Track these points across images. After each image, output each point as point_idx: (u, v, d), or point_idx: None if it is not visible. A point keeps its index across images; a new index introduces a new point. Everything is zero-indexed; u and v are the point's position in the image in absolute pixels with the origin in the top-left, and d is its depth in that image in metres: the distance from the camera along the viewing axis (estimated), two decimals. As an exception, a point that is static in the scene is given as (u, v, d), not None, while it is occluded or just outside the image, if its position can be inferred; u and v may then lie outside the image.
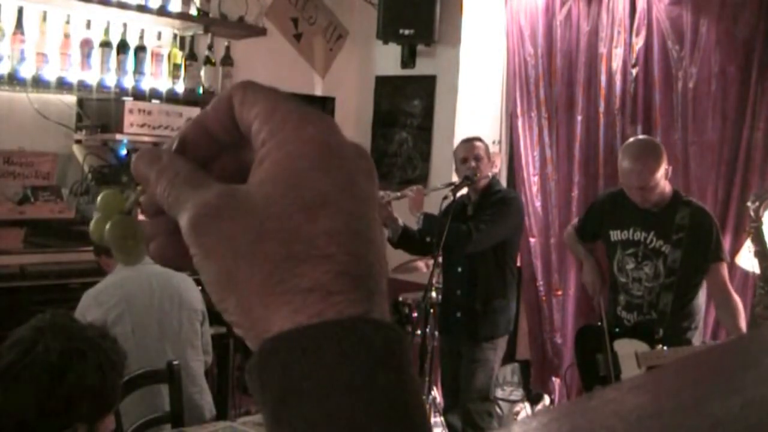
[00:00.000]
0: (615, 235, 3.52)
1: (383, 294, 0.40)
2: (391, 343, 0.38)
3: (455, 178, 4.06)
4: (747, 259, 3.62)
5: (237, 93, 0.44)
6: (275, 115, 0.42)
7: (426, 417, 0.39)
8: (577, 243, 3.82)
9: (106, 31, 4.09)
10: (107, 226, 0.50)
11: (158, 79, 4.28)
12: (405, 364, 0.39)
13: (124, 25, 4.14)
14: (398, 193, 4.04)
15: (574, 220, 4.04)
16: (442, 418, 4.26)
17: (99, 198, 0.51)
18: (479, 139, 4.06)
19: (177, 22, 4.39)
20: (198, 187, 0.42)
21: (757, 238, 3.13)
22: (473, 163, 3.92)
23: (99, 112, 4.13)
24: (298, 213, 0.39)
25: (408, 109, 5.28)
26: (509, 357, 4.91)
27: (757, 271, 3.43)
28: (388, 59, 5.26)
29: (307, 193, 0.40)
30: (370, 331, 0.38)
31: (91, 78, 3.99)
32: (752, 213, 3.17)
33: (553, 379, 5.05)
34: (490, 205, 3.92)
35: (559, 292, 4.98)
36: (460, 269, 3.98)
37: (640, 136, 3.98)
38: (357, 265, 0.39)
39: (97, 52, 4.03)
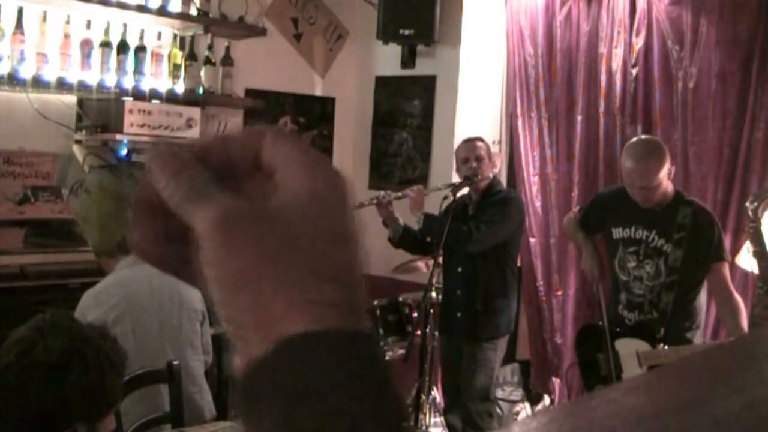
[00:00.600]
0: (617, 232, 3.52)
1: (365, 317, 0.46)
2: (383, 355, 0.44)
3: (456, 178, 4.07)
4: (747, 259, 3.62)
5: (271, 132, 0.49)
6: (306, 158, 0.47)
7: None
8: (577, 230, 3.82)
9: (106, 31, 4.09)
10: (97, 204, 0.51)
11: (158, 79, 4.28)
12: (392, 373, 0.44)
13: (124, 25, 4.14)
14: (399, 193, 4.04)
15: (575, 209, 4.05)
16: (442, 418, 4.26)
17: (93, 178, 0.53)
18: (480, 139, 4.07)
19: (177, 22, 4.39)
20: (221, 192, 0.46)
21: (756, 239, 3.13)
22: (474, 164, 3.92)
23: (99, 112, 4.13)
24: (327, 241, 0.45)
25: (408, 109, 5.28)
26: (509, 357, 4.91)
27: (756, 271, 3.43)
28: (388, 59, 5.26)
29: (335, 228, 0.46)
30: (377, 344, 0.44)
31: (91, 78, 3.99)
32: (751, 213, 3.17)
33: (553, 379, 5.05)
34: (490, 205, 3.92)
35: (559, 292, 4.98)
36: (460, 269, 3.98)
37: (643, 136, 3.98)
38: (360, 295, 0.46)
39: (97, 52, 4.03)
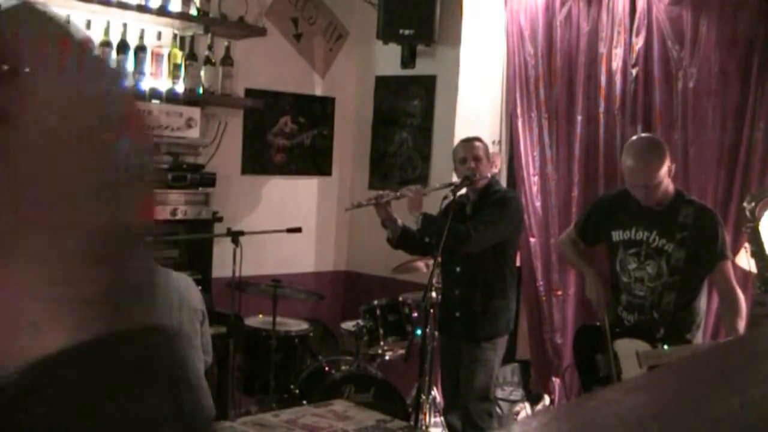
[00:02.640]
0: (617, 235, 3.51)
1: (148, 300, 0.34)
2: (163, 354, 0.34)
3: (455, 178, 4.06)
4: (746, 258, 3.62)
5: (25, 14, 0.34)
6: (56, 56, 0.33)
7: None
8: (574, 252, 3.78)
9: (106, 31, 4.09)
10: None
11: (158, 79, 4.27)
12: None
13: (124, 25, 4.14)
14: (397, 193, 4.04)
15: (567, 229, 3.99)
16: (442, 418, 4.26)
17: None
18: (479, 139, 4.06)
19: (177, 22, 4.39)
20: None
21: (754, 239, 3.13)
22: (472, 164, 3.92)
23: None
24: (74, 198, 0.31)
25: (408, 109, 5.28)
26: (509, 357, 4.91)
27: (755, 270, 3.43)
28: (388, 59, 5.26)
29: (85, 175, 0.31)
30: (151, 343, 0.34)
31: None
32: (748, 213, 3.16)
33: (553, 379, 5.05)
34: (489, 205, 3.92)
35: (559, 292, 4.98)
36: (459, 269, 3.98)
37: (643, 134, 3.98)
38: (131, 273, 0.33)
39: (97, 53, 4.02)
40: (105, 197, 0.31)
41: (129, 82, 0.33)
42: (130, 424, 0.30)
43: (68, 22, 0.34)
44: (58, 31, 0.34)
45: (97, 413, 0.30)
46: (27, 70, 0.33)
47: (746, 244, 3.37)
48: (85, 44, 0.34)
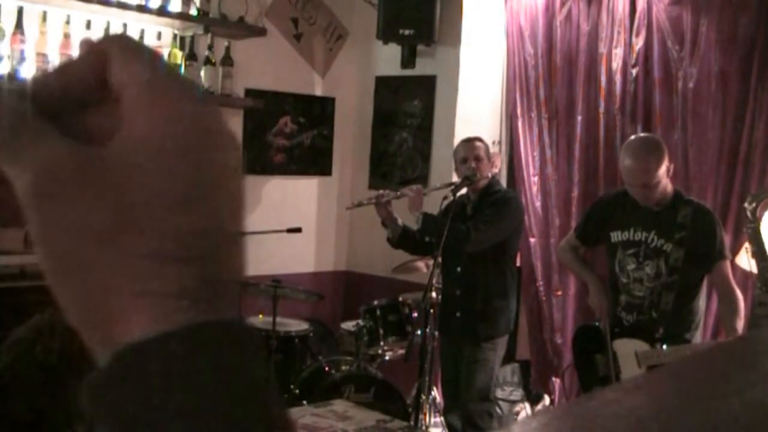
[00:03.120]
0: (616, 236, 3.51)
1: (238, 295, 0.37)
2: (252, 342, 0.37)
3: (455, 178, 4.06)
4: (746, 259, 3.62)
5: (114, 47, 0.37)
6: (156, 83, 0.36)
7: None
8: (575, 260, 3.77)
9: (106, 31, 4.09)
10: None
11: (158, 79, 4.27)
12: (258, 357, 0.38)
13: (124, 25, 4.14)
14: (397, 192, 4.04)
15: (567, 235, 3.99)
16: (442, 418, 4.26)
17: None
18: (479, 139, 4.07)
19: (177, 22, 4.39)
20: (49, 134, 0.36)
21: (755, 239, 3.12)
22: (473, 164, 3.92)
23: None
24: (168, 205, 0.34)
25: (408, 109, 5.28)
26: (509, 357, 4.91)
27: (755, 271, 3.43)
28: (388, 59, 5.26)
29: (180, 185, 0.34)
30: (237, 339, 0.35)
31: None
32: (749, 214, 3.16)
33: (553, 379, 5.05)
34: (489, 205, 3.92)
35: (559, 292, 4.98)
36: (459, 269, 3.98)
37: (642, 134, 3.98)
38: (223, 270, 0.36)
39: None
40: (199, 204, 0.35)
41: (214, 100, 0.36)
42: (204, 414, 0.33)
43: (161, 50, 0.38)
44: (152, 56, 0.38)
45: (174, 401, 0.33)
46: (125, 92, 0.36)
47: (747, 245, 3.37)
48: (176, 68, 0.37)
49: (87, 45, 0.38)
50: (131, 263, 0.34)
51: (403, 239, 4.07)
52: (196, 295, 0.34)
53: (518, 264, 4.61)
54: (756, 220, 3.14)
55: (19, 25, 3.75)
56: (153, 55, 0.38)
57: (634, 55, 4.59)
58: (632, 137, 3.61)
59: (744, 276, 3.92)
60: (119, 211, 0.34)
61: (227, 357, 0.35)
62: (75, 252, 0.34)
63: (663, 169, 3.31)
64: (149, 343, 0.33)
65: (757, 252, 3.09)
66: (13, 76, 3.72)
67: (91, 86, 0.37)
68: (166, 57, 4.32)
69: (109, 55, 0.37)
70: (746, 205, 3.22)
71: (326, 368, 4.19)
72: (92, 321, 0.35)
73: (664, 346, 3.33)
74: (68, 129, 0.37)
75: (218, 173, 0.36)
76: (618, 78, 4.64)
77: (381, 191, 4.10)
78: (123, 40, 0.38)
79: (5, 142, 0.36)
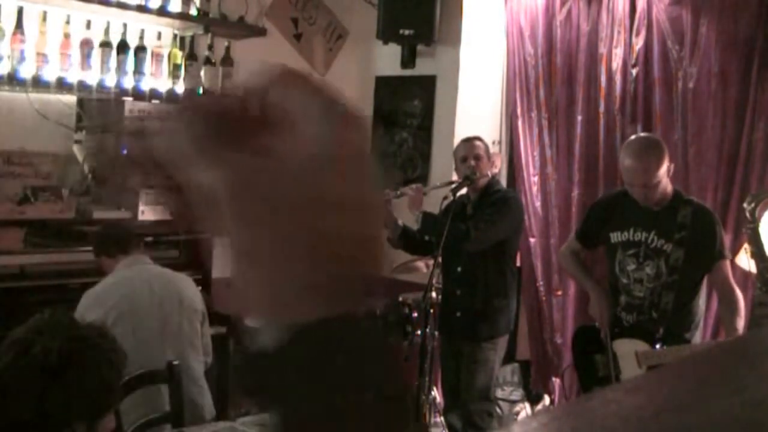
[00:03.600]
0: (615, 236, 3.51)
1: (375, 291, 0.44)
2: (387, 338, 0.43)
3: (455, 178, 4.06)
4: (746, 259, 3.61)
5: (282, 78, 0.45)
6: (323, 110, 0.44)
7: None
8: (577, 267, 3.75)
9: (106, 31, 4.09)
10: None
11: (158, 79, 4.27)
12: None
13: (124, 25, 4.14)
14: (398, 192, 4.04)
15: (568, 238, 3.99)
16: (442, 418, 4.26)
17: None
18: (479, 139, 4.07)
19: (177, 22, 4.39)
20: (231, 149, 0.42)
21: (754, 239, 3.12)
22: (473, 162, 3.92)
23: (99, 112, 4.13)
24: (344, 210, 0.41)
25: (408, 109, 5.28)
26: (509, 357, 4.91)
27: (755, 271, 3.43)
28: (388, 59, 5.26)
29: (354, 195, 0.42)
30: (381, 326, 0.42)
31: (91, 78, 3.98)
32: (748, 215, 3.16)
33: (553, 379, 5.05)
34: (489, 205, 3.93)
35: (559, 292, 4.98)
36: (459, 269, 3.98)
37: (642, 134, 3.98)
38: (377, 270, 0.43)
39: (97, 52, 4.03)
40: (349, 212, 0.42)
41: (366, 124, 0.42)
42: (347, 390, 0.40)
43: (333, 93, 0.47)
44: (316, 86, 0.46)
45: (326, 376, 0.40)
46: (296, 117, 0.43)
47: (746, 245, 3.37)
48: (337, 98, 0.46)
49: (257, 75, 0.45)
50: (304, 259, 0.40)
51: (403, 239, 4.07)
52: (351, 288, 0.41)
53: (518, 264, 4.61)
54: (755, 221, 3.14)
55: (19, 25, 3.75)
56: (317, 86, 0.45)
57: (634, 55, 4.59)
58: (632, 137, 3.61)
59: (744, 276, 3.92)
60: (294, 211, 0.40)
61: (373, 338, 0.42)
62: (259, 245, 0.41)
63: (663, 169, 3.30)
64: (318, 324, 0.40)
65: (757, 252, 3.09)
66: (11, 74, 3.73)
67: (262, 110, 0.44)
68: (166, 57, 4.32)
69: (277, 85, 0.44)
70: (745, 205, 3.22)
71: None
72: (269, 303, 0.41)
73: (664, 346, 3.33)
74: (241, 146, 0.43)
75: (368, 186, 0.43)
76: (618, 78, 4.64)
77: None
78: (288, 72, 0.45)
79: (195, 157, 0.42)
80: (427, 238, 3.97)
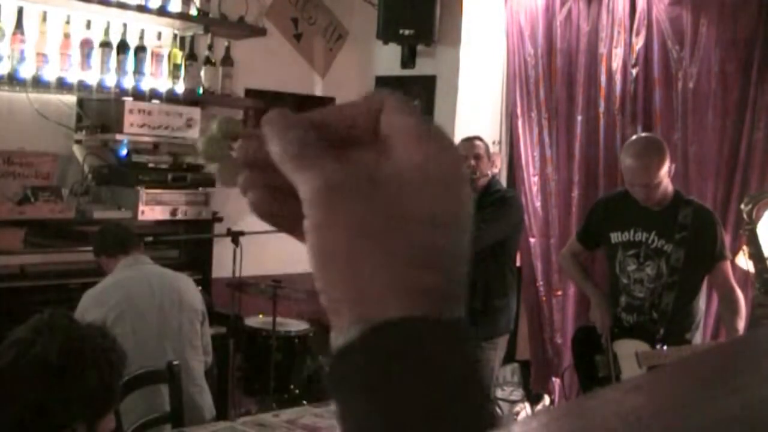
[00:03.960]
0: (615, 236, 3.50)
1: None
2: (471, 347, 0.45)
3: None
4: (746, 259, 3.61)
5: (390, 99, 0.49)
6: (422, 132, 0.47)
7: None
8: (578, 272, 3.74)
9: (106, 31, 4.09)
10: (204, 140, 0.53)
11: (158, 79, 4.27)
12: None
13: (124, 25, 4.14)
14: None
15: (569, 240, 3.99)
16: (442, 418, 4.26)
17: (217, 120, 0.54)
18: (479, 138, 4.07)
19: (177, 22, 4.39)
20: (331, 158, 0.45)
21: (752, 241, 3.11)
22: (473, 162, 3.92)
23: (99, 112, 4.13)
24: (433, 222, 0.44)
25: (408, 109, 5.27)
26: (509, 357, 4.91)
27: (753, 271, 3.42)
28: (388, 59, 5.26)
29: (443, 209, 0.44)
30: (467, 335, 0.44)
31: (91, 78, 3.98)
32: (746, 216, 3.15)
33: (553, 379, 5.05)
34: (489, 204, 3.92)
35: (559, 293, 4.98)
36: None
37: (643, 134, 3.98)
38: (459, 282, 0.45)
39: (97, 52, 4.03)
40: (448, 224, 0.44)
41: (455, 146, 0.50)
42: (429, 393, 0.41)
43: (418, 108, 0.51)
44: (416, 111, 0.49)
45: (401, 379, 0.41)
46: (396, 134, 0.47)
47: (744, 247, 3.35)
48: (434, 126, 0.49)
49: (365, 98, 0.50)
50: (397, 261, 0.42)
51: None
52: (440, 295, 0.43)
53: (518, 264, 4.61)
54: (753, 222, 3.13)
55: (19, 25, 3.75)
56: (416, 110, 0.49)
57: (634, 55, 4.59)
58: (634, 137, 3.61)
59: (744, 276, 3.92)
60: (388, 218, 0.43)
61: (454, 344, 0.43)
62: (348, 245, 0.43)
63: (665, 169, 3.30)
64: (405, 321, 0.41)
65: (755, 254, 3.08)
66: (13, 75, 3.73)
67: (364, 128, 0.48)
68: (166, 57, 4.32)
69: (382, 106, 0.48)
70: (743, 206, 3.21)
71: (326, 368, 4.18)
72: (352, 301, 0.43)
73: (665, 347, 3.33)
74: (340, 157, 0.46)
75: (460, 203, 0.45)
76: (618, 78, 4.64)
77: None
78: (395, 97, 0.49)
79: (296, 160, 0.45)
80: None
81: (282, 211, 0.49)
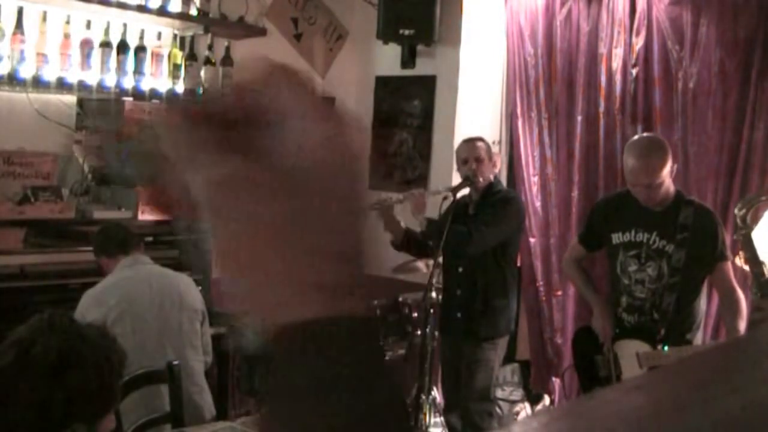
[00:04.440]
0: (617, 237, 3.50)
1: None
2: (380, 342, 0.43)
3: (457, 178, 4.06)
4: (741, 263, 3.60)
5: (286, 78, 0.45)
6: (316, 110, 0.44)
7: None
8: (581, 278, 3.73)
9: (106, 31, 4.09)
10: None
11: (158, 79, 4.27)
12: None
13: (124, 25, 4.14)
14: (401, 196, 4.03)
15: (570, 246, 3.98)
16: (442, 418, 4.26)
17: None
18: (481, 140, 4.05)
19: (177, 22, 4.39)
20: (225, 151, 0.43)
21: (747, 245, 3.09)
22: (474, 165, 3.92)
23: (99, 112, 4.13)
24: (335, 213, 0.42)
25: (408, 109, 5.28)
26: (509, 357, 4.91)
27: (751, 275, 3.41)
28: (388, 59, 5.26)
29: (345, 197, 0.42)
30: (376, 331, 0.43)
31: (91, 78, 3.98)
32: (739, 221, 3.13)
33: (553, 379, 5.05)
34: (490, 205, 3.92)
35: (559, 293, 4.98)
36: (460, 269, 3.98)
37: (645, 134, 3.97)
38: (362, 272, 0.43)
39: (97, 53, 4.03)
40: (353, 211, 0.42)
41: (361, 123, 0.41)
42: (341, 388, 0.40)
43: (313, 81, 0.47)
44: (306, 88, 0.45)
45: (321, 376, 0.40)
46: (282, 120, 0.43)
47: (740, 252, 3.33)
48: (329, 98, 0.42)
49: (253, 71, 0.45)
50: (302, 258, 0.41)
51: (405, 242, 4.07)
52: (347, 290, 0.41)
53: (518, 264, 4.60)
54: (747, 227, 3.12)
55: (19, 25, 3.75)
56: (307, 83, 0.45)
57: (634, 55, 4.59)
58: (636, 137, 3.60)
59: (744, 277, 3.92)
60: (289, 211, 0.41)
61: (364, 342, 0.42)
62: (252, 246, 0.41)
63: (667, 170, 3.29)
64: (315, 324, 0.40)
65: (751, 258, 3.07)
66: (12, 75, 3.72)
67: (257, 111, 0.44)
68: (166, 57, 4.32)
69: (274, 84, 0.44)
70: (736, 211, 3.19)
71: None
72: (262, 304, 0.42)
73: (666, 347, 3.33)
74: (237, 145, 0.44)
75: (363, 189, 0.43)
76: (618, 78, 4.64)
77: (383, 196, 4.09)
78: (278, 69, 0.45)
79: (189, 158, 0.43)
80: (431, 243, 3.96)
81: (172, 205, 0.47)
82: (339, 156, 0.43)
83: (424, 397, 3.95)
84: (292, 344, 0.41)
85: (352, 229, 0.42)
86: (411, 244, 4.08)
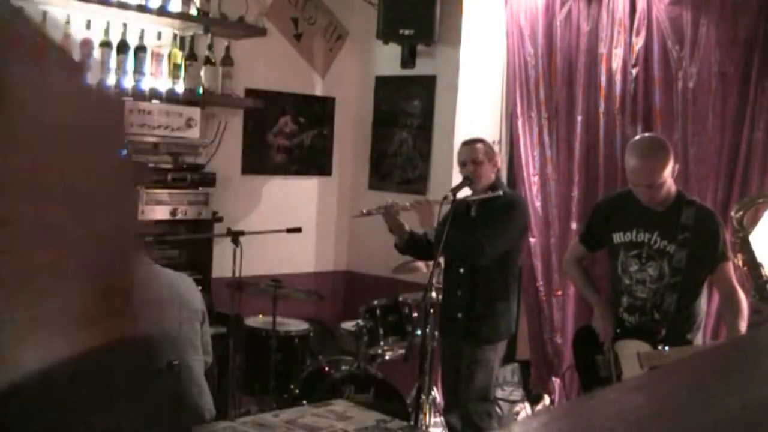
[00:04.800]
0: (618, 237, 3.49)
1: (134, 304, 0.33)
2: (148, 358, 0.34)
3: (460, 179, 4.05)
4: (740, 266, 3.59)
5: (14, 51, 0.33)
6: (44, 65, 0.32)
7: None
8: (582, 278, 3.73)
9: (106, 31, 4.09)
10: None
11: (158, 79, 4.28)
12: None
13: (124, 25, 4.14)
14: (407, 204, 4.01)
15: (570, 245, 3.97)
16: (442, 418, 4.26)
17: None
18: (480, 141, 4.04)
19: (177, 22, 4.39)
20: None
21: (744, 248, 3.09)
22: (471, 167, 3.92)
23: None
24: (60, 195, 0.29)
25: (408, 109, 5.28)
26: (509, 357, 4.91)
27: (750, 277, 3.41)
28: (388, 59, 5.26)
29: (72, 169, 0.30)
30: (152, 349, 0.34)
31: (91, 78, 3.98)
32: (736, 224, 3.12)
33: (553, 379, 5.05)
34: (494, 209, 3.89)
35: (559, 293, 4.98)
36: (461, 270, 3.97)
37: (647, 134, 3.97)
38: (123, 279, 0.31)
39: (97, 52, 4.03)
40: (101, 197, 0.29)
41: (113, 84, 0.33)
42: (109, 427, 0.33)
43: (44, 21, 0.35)
44: (34, 31, 0.34)
45: (82, 418, 0.33)
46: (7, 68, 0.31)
47: (738, 254, 3.33)
48: (63, 45, 0.34)
49: None
50: (24, 277, 0.28)
51: (410, 245, 4.07)
52: (97, 311, 0.30)
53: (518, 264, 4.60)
54: (743, 229, 3.11)
55: (19, 25, 3.75)
56: (42, 37, 0.33)
57: (634, 55, 4.59)
58: (637, 137, 3.60)
59: (744, 277, 3.92)
60: (12, 203, 0.28)
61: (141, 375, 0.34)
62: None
63: (668, 170, 3.29)
64: (49, 370, 0.31)
65: (748, 260, 3.06)
66: None
67: None
68: (166, 57, 4.32)
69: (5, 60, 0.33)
70: (733, 214, 3.18)
71: (326, 368, 4.19)
72: (35, 332, 0.31)
73: (667, 348, 3.33)
74: None
75: (112, 160, 0.31)
76: (618, 78, 4.64)
77: (390, 201, 4.07)
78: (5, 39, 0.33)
79: None
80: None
81: None
82: (77, 117, 0.31)
83: (424, 397, 3.95)
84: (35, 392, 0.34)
85: (99, 214, 0.29)
86: (415, 246, 4.08)
